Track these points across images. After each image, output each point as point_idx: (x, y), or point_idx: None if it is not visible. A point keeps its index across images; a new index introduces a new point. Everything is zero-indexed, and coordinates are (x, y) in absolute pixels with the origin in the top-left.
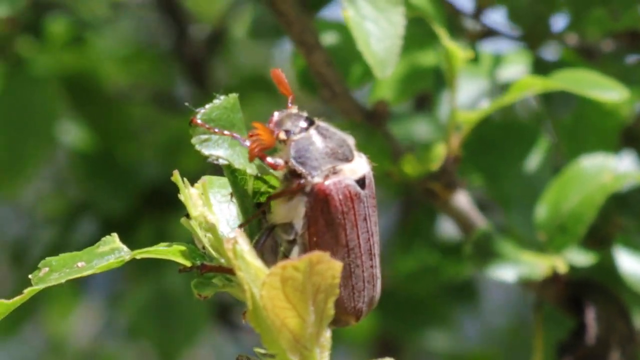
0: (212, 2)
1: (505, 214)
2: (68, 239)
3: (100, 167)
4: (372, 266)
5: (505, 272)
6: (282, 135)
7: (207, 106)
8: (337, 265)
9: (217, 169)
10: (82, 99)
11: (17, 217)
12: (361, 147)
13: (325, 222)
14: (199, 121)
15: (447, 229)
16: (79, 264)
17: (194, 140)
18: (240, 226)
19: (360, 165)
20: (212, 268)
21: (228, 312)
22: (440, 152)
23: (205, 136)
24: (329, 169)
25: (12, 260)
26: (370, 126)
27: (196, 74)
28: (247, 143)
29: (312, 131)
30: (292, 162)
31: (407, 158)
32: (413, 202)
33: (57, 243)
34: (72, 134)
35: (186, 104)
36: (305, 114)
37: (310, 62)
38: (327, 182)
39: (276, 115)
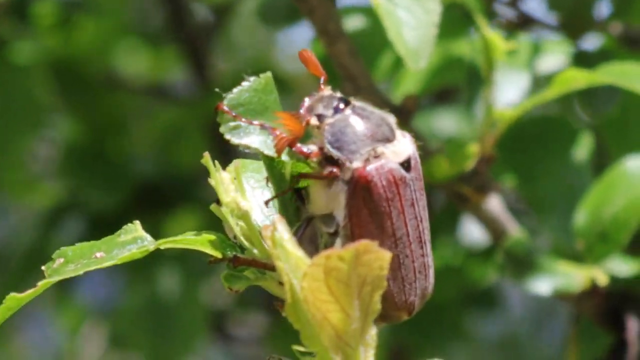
0: None
1: (540, 219)
2: (52, 239)
3: (88, 160)
4: (422, 255)
5: (540, 284)
6: (314, 121)
7: (234, 90)
8: (386, 255)
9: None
10: (70, 87)
11: None
12: None
13: (369, 211)
14: (225, 107)
15: (471, 229)
16: (98, 254)
17: (222, 129)
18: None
19: (404, 146)
20: (245, 261)
21: (223, 322)
22: (473, 152)
23: (234, 123)
24: (369, 151)
25: None
26: (397, 122)
27: (195, 58)
28: (277, 133)
29: (348, 111)
30: (328, 147)
31: (437, 158)
32: (437, 200)
33: (39, 244)
34: (58, 124)
35: (216, 89)
36: (339, 94)
37: (333, 53)
38: (368, 168)
39: (307, 100)
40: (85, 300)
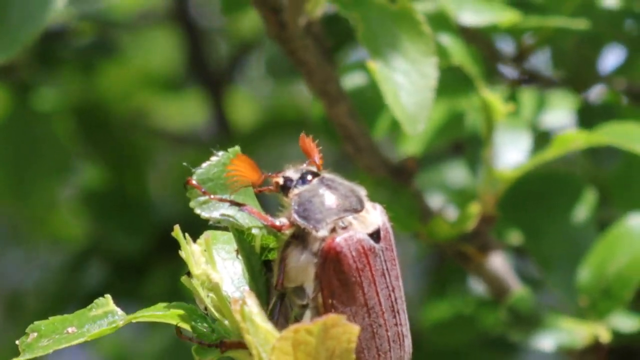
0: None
1: (545, 275)
2: (75, 286)
3: (111, 205)
4: (396, 324)
5: (544, 340)
6: (280, 181)
7: (203, 165)
8: (354, 329)
9: None
10: (93, 131)
11: (22, 261)
12: (387, 206)
13: (340, 282)
14: (194, 182)
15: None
16: (70, 329)
17: (191, 204)
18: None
19: (373, 217)
20: (232, 345)
21: None
22: (473, 213)
23: (203, 198)
24: (335, 221)
25: (9, 311)
26: (397, 183)
27: (215, 101)
28: (248, 208)
29: (316, 182)
30: (295, 217)
31: (438, 219)
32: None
33: (63, 290)
34: (80, 168)
35: (212, 149)
36: (311, 168)
37: (332, 114)
38: (337, 239)
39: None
40: None
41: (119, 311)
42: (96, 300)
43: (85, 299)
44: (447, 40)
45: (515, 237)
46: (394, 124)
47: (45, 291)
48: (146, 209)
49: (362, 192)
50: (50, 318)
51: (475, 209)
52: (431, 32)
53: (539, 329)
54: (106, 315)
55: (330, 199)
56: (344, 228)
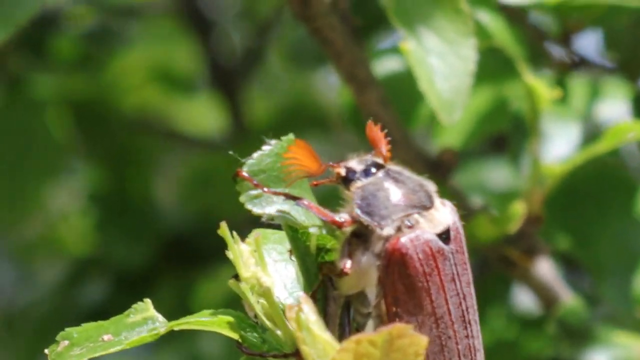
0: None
1: (597, 284)
2: (74, 301)
3: (112, 211)
4: (467, 336)
5: (597, 357)
6: (342, 171)
7: (255, 155)
8: (422, 340)
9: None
10: (92, 127)
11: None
12: None
13: (405, 287)
14: (245, 174)
15: (527, 297)
16: (105, 337)
17: (242, 198)
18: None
19: (443, 215)
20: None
21: None
22: (518, 212)
23: (255, 192)
24: (401, 218)
25: (6, 328)
26: (435, 179)
27: (229, 101)
28: (305, 203)
29: (381, 174)
30: (357, 212)
31: (479, 219)
32: (487, 264)
33: (61, 306)
34: (79, 170)
35: (230, 152)
36: (377, 159)
37: (362, 101)
38: (402, 239)
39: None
40: None
41: (160, 317)
42: (134, 306)
43: (86, 315)
44: (487, 19)
45: (564, 242)
46: (430, 114)
47: (42, 308)
48: (151, 216)
49: (432, 187)
50: (83, 325)
51: (520, 207)
52: (470, 10)
53: (592, 344)
54: (146, 321)
55: (396, 194)
56: (410, 227)
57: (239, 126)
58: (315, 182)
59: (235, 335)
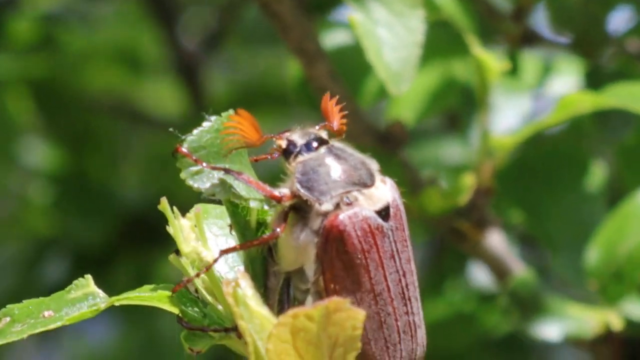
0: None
1: (549, 257)
2: (33, 280)
3: (71, 191)
4: (407, 312)
5: (549, 329)
6: (283, 144)
7: (195, 131)
8: (359, 314)
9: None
10: (51, 109)
11: None
12: None
13: (343, 264)
14: (185, 150)
15: (484, 271)
16: (46, 313)
17: (182, 175)
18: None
19: (382, 193)
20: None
21: None
22: (468, 184)
23: (195, 168)
24: (341, 195)
25: None
26: (385, 152)
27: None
28: (245, 177)
29: (323, 150)
30: (297, 186)
31: (429, 191)
32: (445, 239)
33: (20, 286)
34: (37, 150)
35: (170, 129)
36: (321, 133)
37: (311, 75)
38: (340, 216)
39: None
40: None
41: (101, 293)
42: (75, 282)
43: (46, 295)
44: None
45: (517, 216)
46: (379, 87)
47: (1, 288)
48: (110, 196)
49: (374, 165)
50: (25, 301)
51: (469, 179)
52: None
53: (544, 317)
54: (86, 297)
55: (337, 170)
56: (349, 204)
57: (199, 107)
58: (255, 158)
59: (175, 310)
